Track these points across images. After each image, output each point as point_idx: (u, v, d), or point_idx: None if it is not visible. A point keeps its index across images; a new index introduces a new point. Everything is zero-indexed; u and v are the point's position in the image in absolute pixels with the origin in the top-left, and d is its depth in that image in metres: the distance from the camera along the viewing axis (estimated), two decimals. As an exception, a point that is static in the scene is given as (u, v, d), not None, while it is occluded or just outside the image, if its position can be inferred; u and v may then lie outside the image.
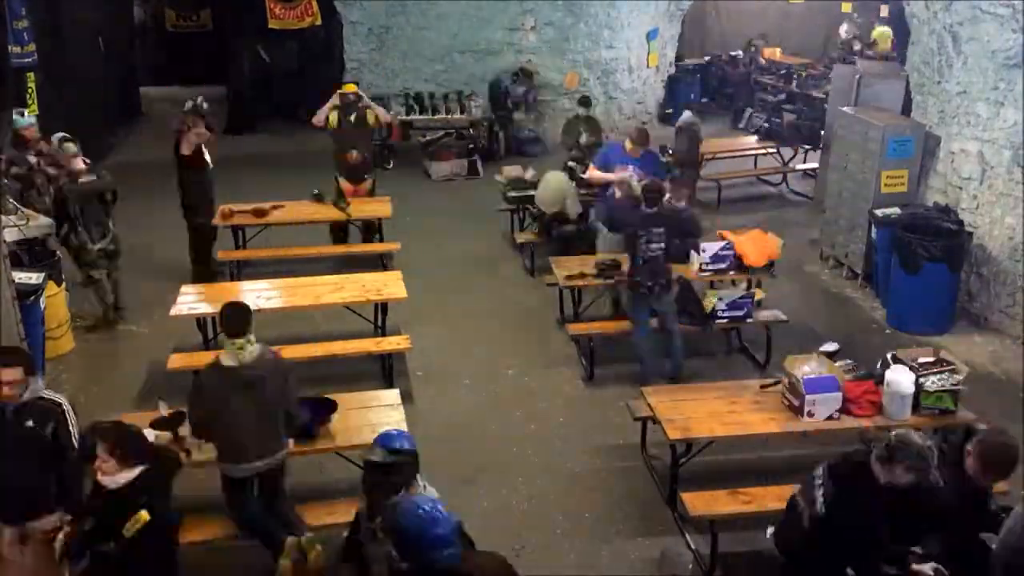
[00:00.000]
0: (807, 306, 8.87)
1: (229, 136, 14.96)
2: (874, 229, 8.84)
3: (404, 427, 5.35)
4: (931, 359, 5.66)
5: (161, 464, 4.31)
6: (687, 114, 11.39)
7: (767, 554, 4.58)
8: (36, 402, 4.64)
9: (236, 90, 16.24)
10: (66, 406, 4.73)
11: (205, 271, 9.32)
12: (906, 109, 9.95)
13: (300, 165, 12.40)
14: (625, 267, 7.47)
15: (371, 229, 9.91)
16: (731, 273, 7.79)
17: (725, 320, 7.46)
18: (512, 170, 10.80)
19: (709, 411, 5.67)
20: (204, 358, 7.06)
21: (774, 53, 17.39)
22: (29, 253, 7.84)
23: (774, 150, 12.92)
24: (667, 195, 7.48)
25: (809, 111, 13.43)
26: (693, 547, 5.41)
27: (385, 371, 7.37)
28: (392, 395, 5.98)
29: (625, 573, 5.30)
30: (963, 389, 5.55)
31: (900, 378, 5.47)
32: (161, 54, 19.90)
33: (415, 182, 13.18)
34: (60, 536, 4.39)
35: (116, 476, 4.01)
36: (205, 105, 9.93)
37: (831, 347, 6.36)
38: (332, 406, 5.51)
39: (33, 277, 7.05)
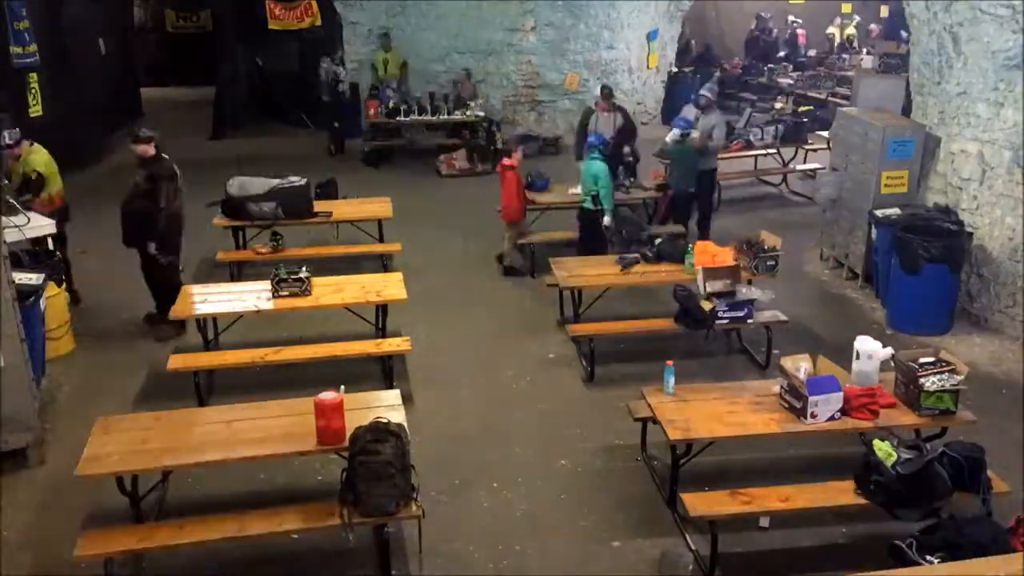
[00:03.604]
0: (807, 307, 8.87)
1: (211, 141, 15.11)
2: (874, 230, 8.84)
3: (404, 427, 5.35)
4: (931, 359, 5.65)
5: None
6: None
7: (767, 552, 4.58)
8: None
9: (222, 93, 16.26)
10: None
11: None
12: (906, 109, 9.96)
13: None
14: None
15: None
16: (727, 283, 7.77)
17: (726, 321, 7.46)
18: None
19: (709, 412, 5.66)
20: (204, 359, 7.12)
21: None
22: (29, 254, 7.85)
23: (774, 151, 12.94)
24: None
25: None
26: (693, 547, 5.41)
27: (385, 372, 7.37)
28: (392, 396, 5.97)
29: (625, 573, 5.29)
30: (963, 389, 5.55)
31: (867, 347, 5.64)
32: (161, 54, 19.93)
33: (420, 181, 13.22)
34: None
35: None
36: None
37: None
38: None
39: (33, 278, 7.06)
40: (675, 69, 16.94)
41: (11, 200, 8.05)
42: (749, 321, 7.52)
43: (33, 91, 11.55)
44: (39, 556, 5.39)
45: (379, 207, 9.94)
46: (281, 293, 7.32)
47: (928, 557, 4.43)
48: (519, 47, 14.94)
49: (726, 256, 7.69)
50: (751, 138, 12.73)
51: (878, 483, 5.00)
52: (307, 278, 7.40)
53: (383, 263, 9.68)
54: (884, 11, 18.70)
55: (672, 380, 5.85)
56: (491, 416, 6.98)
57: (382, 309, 7.79)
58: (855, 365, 5.71)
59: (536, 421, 6.94)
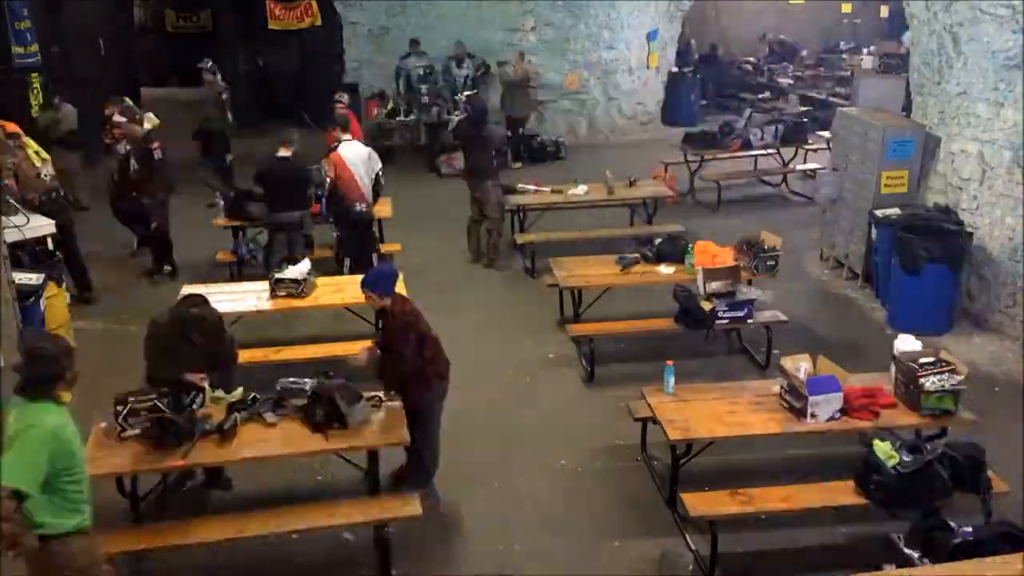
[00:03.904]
0: (807, 307, 8.87)
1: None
2: (874, 230, 8.84)
3: (405, 428, 5.35)
4: (931, 359, 5.65)
5: None
6: None
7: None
8: None
9: None
10: None
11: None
12: (906, 109, 9.96)
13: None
14: None
15: None
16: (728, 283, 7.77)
17: (726, 321, 7.46)
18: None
19: (709, 412, 5.66)
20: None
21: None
22: (29, 254, 7.85)
23: (774, 151, 12.94)
24: None
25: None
26: (693, 547, 5.41)
27: (385, 372, 7.35)
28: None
29: (625, 573, 5.29)
30: (963, 389, 5.54)
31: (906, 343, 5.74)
32: (161, 54, 19.92)
33: (420, 181, 13.21)
34: None
35: None
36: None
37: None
38: None
39: (33, 278, 7.06)
40: (675, 69, 16.93)
41: (10, 200, 8.05)
42: (749, 321, 7.52)
43: (35, 91, 11.58)
44: (39, 556, 5.38)
45: (379, 207, 9.93)
46: (279, 294, 7.33)
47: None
48: (519, 47, 14.94)
49: (726, 256, 7.69)
50: (751, 138, 12.75)
51: (878, 483, 5.00)
52: (306, 280, 7.39)
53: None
54: (884, 11, 18.68)
55: (672, 380, 5.85)
56: (491, 416, 6.98)
57: (382, 309, 7.78)
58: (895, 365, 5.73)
59: (536, 421, 6.94)
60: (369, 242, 9.32)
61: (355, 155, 9.07)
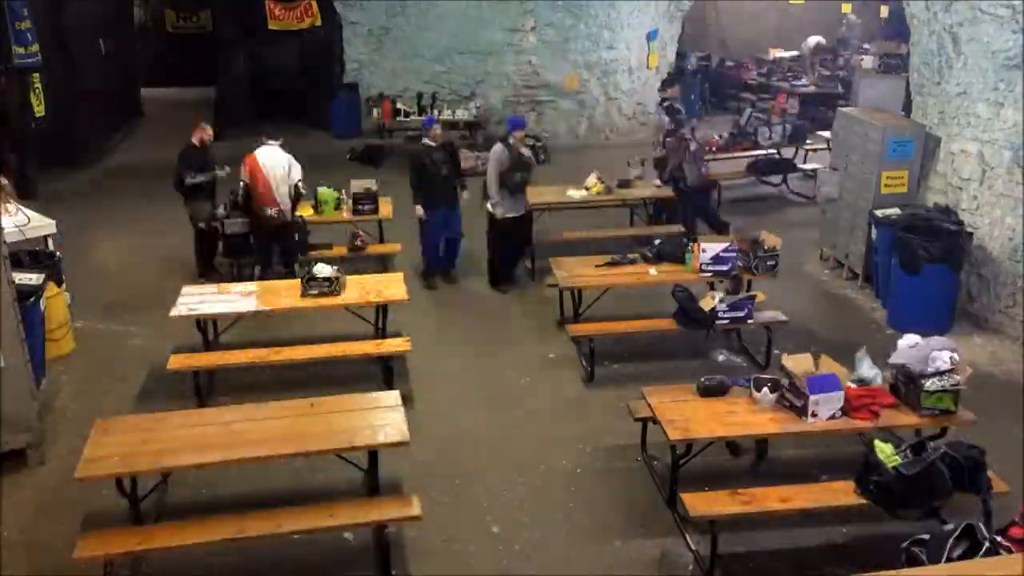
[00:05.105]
0: (807, 306, 8.87)
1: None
2: (874, 230, 8.84)
3: (405, 428, 5.35)
4: (931, 359, 5.66)
5: None
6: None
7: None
8: None
9: (222, 93, 16.25)
10: None
11: None
12: (906, 109, 9.96)
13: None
14: None
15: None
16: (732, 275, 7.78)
17: (726, 321, 7.46)
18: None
19: (710, 412, 5.66)
20: (204, 359, 7.12)
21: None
22: (29, 254, 7.86)
23: (775, 151, 12.92)
24: None
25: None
26: (693, 547, 5.41)
27: (385, 373, 7.36)
28: (392, 397, 5.95)
29: (625, 573, 5.30)
30: (963, 389, 5.54)
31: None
32: (161, 54, 19.91)
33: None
34: None
35: None
36: None
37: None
38: None
39: (33, 278, 7.06)
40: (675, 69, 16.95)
41: (10, 199, 8.06)
42: (749, 321, 7.53)
43: (36, 91, 11.57)
44: (39, 557, 5.39)
45: (380, 207, 9.93)
46: (311, 292, 7.37)
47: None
48: (519, 47, 14.94)
49: None
50: (758, 138, 12.74)
51: (878, 483, 5.00)
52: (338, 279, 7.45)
53: (383, 264, 9.68)
54: (884, 11, 18.67)
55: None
56: (491, 416, 6.98)
57: (382, 309, 7.79)
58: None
59: (536, 421, 6.94)
60: (291, 248, 9.08)
61: (273, 160, 8.76)
